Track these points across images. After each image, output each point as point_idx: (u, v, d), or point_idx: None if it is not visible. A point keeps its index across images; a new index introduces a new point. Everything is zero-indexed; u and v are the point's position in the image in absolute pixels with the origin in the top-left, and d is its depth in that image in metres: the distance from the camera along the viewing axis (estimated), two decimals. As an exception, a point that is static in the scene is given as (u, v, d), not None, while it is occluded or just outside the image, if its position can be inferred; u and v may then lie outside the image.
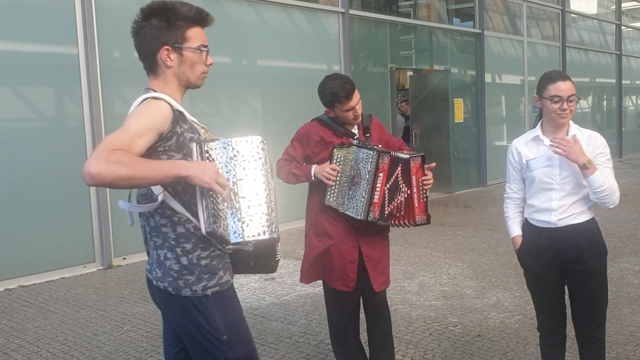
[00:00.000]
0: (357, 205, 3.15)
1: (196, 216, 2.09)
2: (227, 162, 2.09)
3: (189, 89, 2.22)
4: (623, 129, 17.97)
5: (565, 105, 2.83)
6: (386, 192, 3.14)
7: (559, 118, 2.87)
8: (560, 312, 3.05)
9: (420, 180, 3.14)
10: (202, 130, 2.20)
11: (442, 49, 11.86)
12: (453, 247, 6.96)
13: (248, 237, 2.09)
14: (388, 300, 3.55)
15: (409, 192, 3.15)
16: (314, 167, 3.23)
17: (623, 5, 18.11)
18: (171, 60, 2.12)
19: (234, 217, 2.08)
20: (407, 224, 3.20)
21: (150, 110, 2.01)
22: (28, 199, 6.10)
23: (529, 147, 3.01)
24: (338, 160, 3.19)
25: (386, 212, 3.17)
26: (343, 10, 9.33)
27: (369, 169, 3.10)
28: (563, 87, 2.84)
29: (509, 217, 3.13)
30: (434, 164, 3.20)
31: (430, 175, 3.17)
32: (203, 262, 2.13)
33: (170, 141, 2.06)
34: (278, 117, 8.62)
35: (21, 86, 6.21)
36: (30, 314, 5.03)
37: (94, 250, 6.53)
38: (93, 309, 5.10)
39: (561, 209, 2.87)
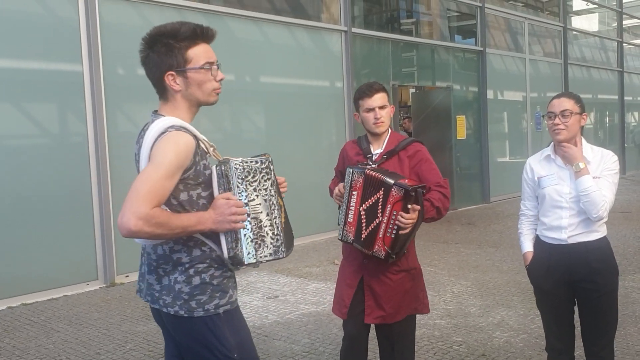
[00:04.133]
0: (340, 225, 3.08)
1: (210, 238, 2.13)
2: (239, 183, 2.10)
3: (202, 106, 2.23)
4: (625, 145, 17.98)
5: (557, 120, 2.86)
6: (362, 213, 2.94)
7: (554, 134, 2.91)
8: (569, 333, 3.03)
9: (395, 213, 2.81)
10: (212, 149, 2.21)
11: (445, 66, 11.91)
12: (457, 265, 6.92)
13: (260, 257, 2.11)
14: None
15: (380, 219, 2.87)
16: (338, 185, 3.19)
17: (624, 22, 18.19)
18: (177, 84, 2.13)
19: (247, 238, 2.10)
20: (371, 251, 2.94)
21: (179, 146, 2.02)
22: (31, 216, 6.10)
23: (541, 165, 3.04)
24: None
25: (363, 236, 2.95)
26: (346, 28, 9.39)
27: (347, 187, 3.01)
28: (555, 103, 2.91)
29: (522, 234, 3.15)
30: (418, 207, 2.81)
31: (411, 216, 2.79)
32: (215, 281, 2.14)
33: (189, 172, 2.08)
34: (281, 134, 8.65)
35: (26, 103, 6.24)
36: (32, 333, 5.00)
37: (96, 267, 6.51)
38: (95, 328, 5.07)
39: (571, 227, 2.88)
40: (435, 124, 11.64)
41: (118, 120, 6.82)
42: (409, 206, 2.78)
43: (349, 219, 3.00)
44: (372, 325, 3.22)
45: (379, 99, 3.11)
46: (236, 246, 2.09)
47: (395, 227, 2.82)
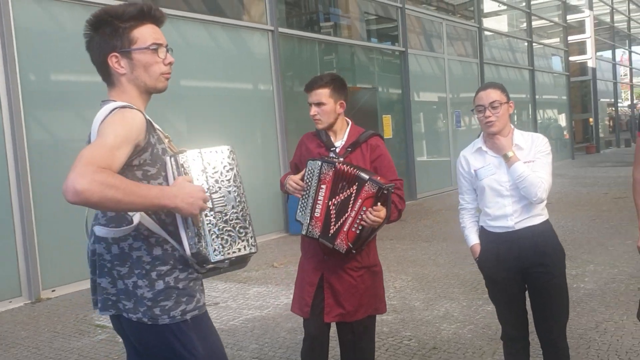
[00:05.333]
0: (303, 220, 2.97)
1: (172, 236, 1.96)
2: (199, 175, 1.96)
3: (152, 94, 2.07)
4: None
5: (488, 113, 2.86)
6: (331, 207, 2.85)
7: (487, 127, 2.90)
8: (523, 320, 3.07)
9: (364, 209, 2.75)
10: (167, 140, 2.07)
11: (370, 67, 12.07)
12: (395, 260, 6.98)
13: (229, 253, 1.96)
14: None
15: (348, 213, 2.80)
16: (288, 177, 3.07)
17: (533, 23, 19.13)
18: (122, 67, 1.98)
19: (212, 234, 1.95)
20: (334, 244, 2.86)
21: (125, 119, 1.86)
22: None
23: (475, 157, 3.03)
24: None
25: (331, 231, 2.86)
26: (272, 28, 9.30)
27: (313, 180, 2.91)
28: (483, 96, 2.88)
29: (465, 227, 3.13)
30: (384, 210, 2.77)
31: (378, 213, 2.74)
32: (181, 285, 1.98)
33: (145, 153, 1.92)
34: (207, 139, 8.38)
35: None
36: (-49, 358, 4.58)
37: (19, 283, 6.07)
38: (24, 347, 4.71)
39: (515, 214, 2.91)
40: (363, 123, 11.49)
41: (38, 129, 6.38)
42: (378, 205, 2.73)
43: (315, 214, 2.90)
44: (334, 325, 3.14)
45: (315, 95, 3.03)
46: (199, 242, 1.93)
47: (362, 223, 2.77)
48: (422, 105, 13.62)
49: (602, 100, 26.71)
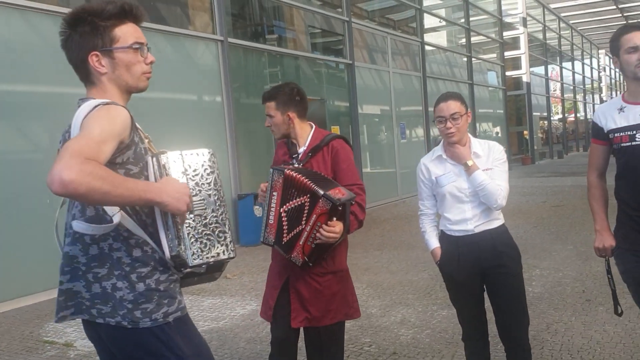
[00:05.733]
0: (261, 227, 2.96)
1: (153, 238, 1.92)
2: (180, 177, 1.94)
3: (132, 93, 2.04)
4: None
5: (449, 124, 2.96)
6: (283, 215, 2.84)
7: (447, 137, 3.01)
8: (482, 320, 3.16)
9: (318, 224, 2.73)
10: (147, 140, 2.03)
11: (318, 79, 12.18)
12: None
13: (207, 258, 1.93)
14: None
15: (303, 227, 2.79)
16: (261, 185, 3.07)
17: (472, 39, 19.79)
18: (103, 66, 1.94)
19: (191, 237, 1.92)
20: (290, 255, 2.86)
21: (110, 114, 1.81)
22: None
23: (435, 165, 3.12)
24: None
25: (284, 239, 2.85)
26: (222, 38, 9.25)
27: (269, 187, 2.91)
28: (444, 108, 2.98)
29: (425, 232, 3.21)
30: (340, 226, 2.77)
31: (333, 229, 2.74)
32: (162, 287, 1.94)
33: (128, 151, 1.88)
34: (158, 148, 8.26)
35: None
36: None
37: (-42, 300, 5.78)
38: (-33, 367, 4.48)
39: (475, 218, 3.01)
40: (311, 134, 11.80)
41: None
42: (333, 220, 2.74)
43: (269, 221, 2.90)
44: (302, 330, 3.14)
45: (266, 107, 3.10)
46: (179, 245, 1.90)
47: (313, 237, 2.77)
48: (369, 117, 13.84)
49: (535, 113, 27.81)
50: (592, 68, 40.78)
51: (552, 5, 28.57)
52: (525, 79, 25.81)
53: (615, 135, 2.83)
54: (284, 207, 2.84)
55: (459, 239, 3.05)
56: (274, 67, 11.04)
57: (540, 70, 29.23)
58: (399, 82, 14.97)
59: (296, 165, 3.00)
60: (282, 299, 3.05)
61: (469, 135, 3.10)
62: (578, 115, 39.06)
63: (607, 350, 4.00)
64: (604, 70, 46.02)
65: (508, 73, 24.38)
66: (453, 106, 2.97)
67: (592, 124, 3.04)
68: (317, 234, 2.76)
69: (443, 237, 3.15)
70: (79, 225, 1.89)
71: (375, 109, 14.27)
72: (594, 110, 41.87)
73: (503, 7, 23.25)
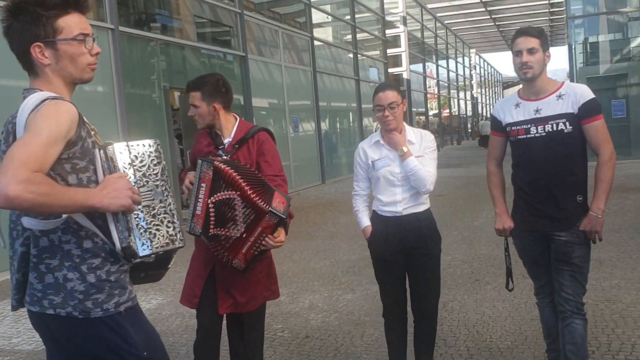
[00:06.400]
0: (189, 216, 2.98)
1: (102, 229, 1.94)
2: (126, 168, 1.97)
3: (77, 84, 2.03)
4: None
5: (387, 113, 3.23)
6: (210, 206, 2.86)
7: (385, 125, 3.28)
8: (403, 295, 3.43)
9: (263, 235, 2.84)
10: (93, 133, 2.03)
11: (211, 70, 12.06)
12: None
13: (157, 248, 1.98)
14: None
15: (245, 235, 2.84)
16: (189, 173, 3.09)
17: (357, 36, 20.43)
18: (46, 57, 1.92)
19: (140, 228, 1.96)
20: (227, 258, 2.93)
21: (59, 113, 1.80)
22: None
23: (372, 150, 3.36)
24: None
25: (210, 232, 2.89)
26: (112, 26, 8.94)
27: (197, 178, 2.94)
28: (382, 97, 3.24)
29: (358, 211, 3.45)
30: (283, 234, 2.94)
31: (280, 239, 2.91)
32: (113, 277, 1.97)
33: (75, 147, 1.88)
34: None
35: None
36: None
37: None
38: None
39: (404, 201, 3.27)
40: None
41: None
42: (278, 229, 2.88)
43: (197, 212, 2.93)
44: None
45: (190, 97, 3.15)
46: (129, 236, 1.94)
47: (257, 246, 2.87)
48: (262, 110, 13.91)
49: (413, 109, 29.23)
50: (464, 66, 43.51)
51: (429, 6, 30.15)
52: (405, 75, 27.04)
53: (513, 128, 3.18)
54: (212, 198, 2.88)
55: (388, 219, 3.30)
56: (167, 57, 10.81)
57: (418, 67, 30.73)
58: (290, 76, 15.18)
59: (224, 157, 3.05)
60: (207, 287, 3.12)
61: (404, 123, 3.35)
62: (452, 111, 41.53)
63: (499, 324, 4.44)
64: (474, 69, 49.25)
65: (390, 70, 25.42)
66: (390, 95, 3.21)
67: (491, 118, 3.38)
68: (263, 243, 2.86)
69: (375, 217, 3.39)
70: (28, 222, 1.89)
71: (268, 102, 14.38)
72: (466, 107, 44.73)
73: (385, 6, 24.20)
